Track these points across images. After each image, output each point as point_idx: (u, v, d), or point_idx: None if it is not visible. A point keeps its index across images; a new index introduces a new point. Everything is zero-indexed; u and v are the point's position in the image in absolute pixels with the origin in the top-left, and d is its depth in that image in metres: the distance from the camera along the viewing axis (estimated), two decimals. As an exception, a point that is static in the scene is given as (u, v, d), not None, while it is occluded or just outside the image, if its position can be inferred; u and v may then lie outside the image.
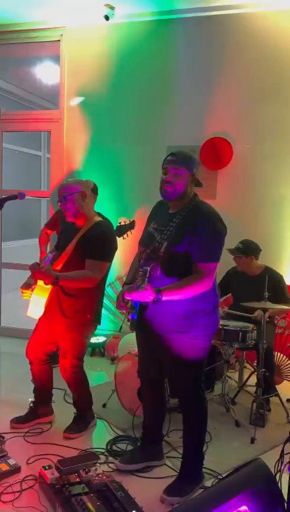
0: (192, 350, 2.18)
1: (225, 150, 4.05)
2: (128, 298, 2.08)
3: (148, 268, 1.97)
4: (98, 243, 2.60)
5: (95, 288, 2.64)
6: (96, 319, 2.77)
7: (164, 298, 2.02)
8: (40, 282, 2.66)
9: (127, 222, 3.75)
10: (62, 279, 2.52)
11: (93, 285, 2.60)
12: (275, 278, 3.35)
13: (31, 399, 2.96)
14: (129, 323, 2.20)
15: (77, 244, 2.63)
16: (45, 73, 5.93)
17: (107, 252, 2.65)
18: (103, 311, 4.41)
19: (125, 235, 3.71)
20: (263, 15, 3.93)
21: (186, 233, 2.11)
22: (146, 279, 1.95)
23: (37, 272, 2.50)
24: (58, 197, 2.66)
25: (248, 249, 3.41)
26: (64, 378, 2.80)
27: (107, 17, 4.05)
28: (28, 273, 2.66)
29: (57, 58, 4.69)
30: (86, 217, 2.68)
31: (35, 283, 2.70)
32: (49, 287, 2.63)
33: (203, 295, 2.12)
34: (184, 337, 2.16)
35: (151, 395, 2.50)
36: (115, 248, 2.74)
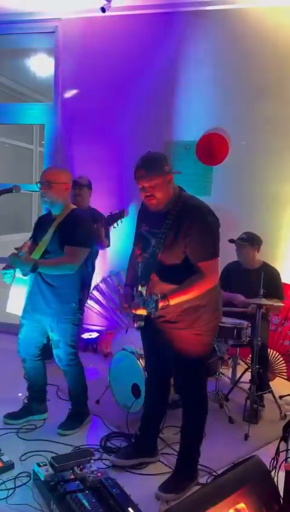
0: (196, 346, 2.20)
1: (220, 146, 4.03)
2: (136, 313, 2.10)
3: (160, 296, 2.03)
4: (75, 229, 2.61)
5: (76, 275, 2.65)
6: (81, 307, 2.78)
7: (171, 303, 2.05)
8: (18, 275, 2.64)
9: (117, 211, 3.77)
10: (41, 266, 2.53)
11: (72, 271, 2.60)
12: (272, 273, 3.36)
13: (25, 394, 2.93)
14: (136, 325, 2.16)
15: (55, 232, 2.64)
16: (39, 65, 5.86)
17: (84, 238, 2.64)
18: (96, 306, 4.43)
19: (115, 224, 3.74)
20: (262, 11, 3.90)
21: (180, 235, 2.11)
22: (159, 307, 2.01)
23: (15, 260, 2.52)
24: (41, 179, 2.62)
25: (253, 239, 3.41)
26: (61, 367, 2.79)
27: (103, 9, 3.99)
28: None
29: (51, 51, 4.62)
30: (62, 207, 2.68)
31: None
32: (27, 280, 2.63)
33: (207, 291, 2.13)
34: (188, 332, 2.18)
35: (156, 393, 2.50)
36: (93, 233, 2.75)
